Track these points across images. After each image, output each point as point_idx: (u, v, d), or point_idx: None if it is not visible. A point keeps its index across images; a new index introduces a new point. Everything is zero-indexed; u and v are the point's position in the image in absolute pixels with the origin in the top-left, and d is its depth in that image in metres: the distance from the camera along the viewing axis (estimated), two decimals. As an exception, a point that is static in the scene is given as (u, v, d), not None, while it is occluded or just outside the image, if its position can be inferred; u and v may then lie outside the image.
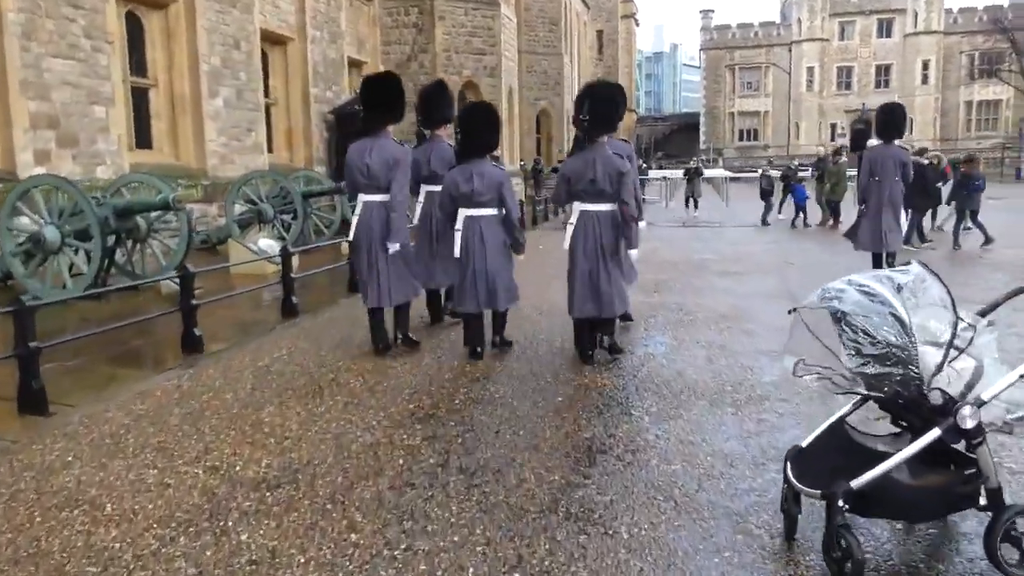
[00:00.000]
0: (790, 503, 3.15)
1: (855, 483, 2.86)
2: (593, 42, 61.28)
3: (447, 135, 7.12)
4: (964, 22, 64.82)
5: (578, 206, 5.88)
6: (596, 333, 6.06)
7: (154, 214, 9.17)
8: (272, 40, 18.27)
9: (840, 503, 2.82)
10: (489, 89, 22.60)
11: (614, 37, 61.90)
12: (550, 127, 34.09)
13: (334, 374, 5.76)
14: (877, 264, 9.52)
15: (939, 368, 2.94)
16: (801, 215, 18.10)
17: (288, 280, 8.06)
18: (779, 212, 19.28)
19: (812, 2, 67.32)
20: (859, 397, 3.24)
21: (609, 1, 61.13)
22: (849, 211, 13.58)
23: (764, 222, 18.47)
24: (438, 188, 6.51)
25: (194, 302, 6.51)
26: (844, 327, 3.13)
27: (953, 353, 2.96)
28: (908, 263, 3.28)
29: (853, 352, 3.10)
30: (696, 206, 22.14)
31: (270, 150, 17.85)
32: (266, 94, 17.94)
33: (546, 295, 8.39)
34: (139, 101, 14.06)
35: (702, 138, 72.84)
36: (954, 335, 2.95)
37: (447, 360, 6.13)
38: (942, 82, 64.94)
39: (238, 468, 4.00)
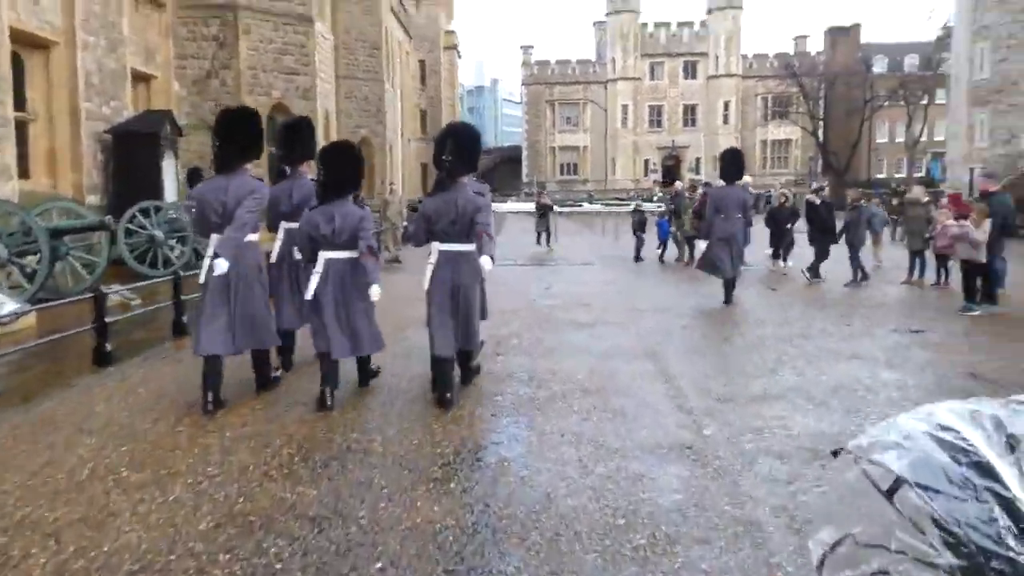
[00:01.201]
0: None
1: None
2: (416, 72, 60.18)
3: (310, 172, 6.67)
4: (758, 67, 70.46)
5: (437, 246, 5.82)
6: (465, 364, 6.21)
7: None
8: (30, 43, 15.06)
9: None
10: (303, 113, 20.35)
11: (437, 68, 61.18)
12: (372, 156, 32.08)
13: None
14: (728, 296, 10.55)
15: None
16: (662, 250, 17.60)
17: None
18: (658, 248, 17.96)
19: (624, 42, 70.46)
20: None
21: (431, 31, 60.45)
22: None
23: (637, 258, 17.38)
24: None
25: None
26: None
27: None
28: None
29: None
30: (548, 241, 21.55)
31: (24, 175, 14.54)
32: (21, 107, 14.70)
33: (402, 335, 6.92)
34: None
35: (524, 171, 73.67)
36: None
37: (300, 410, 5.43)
38: (741, 122, 70.03)
39: None
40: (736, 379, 6.49)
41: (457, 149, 5.85)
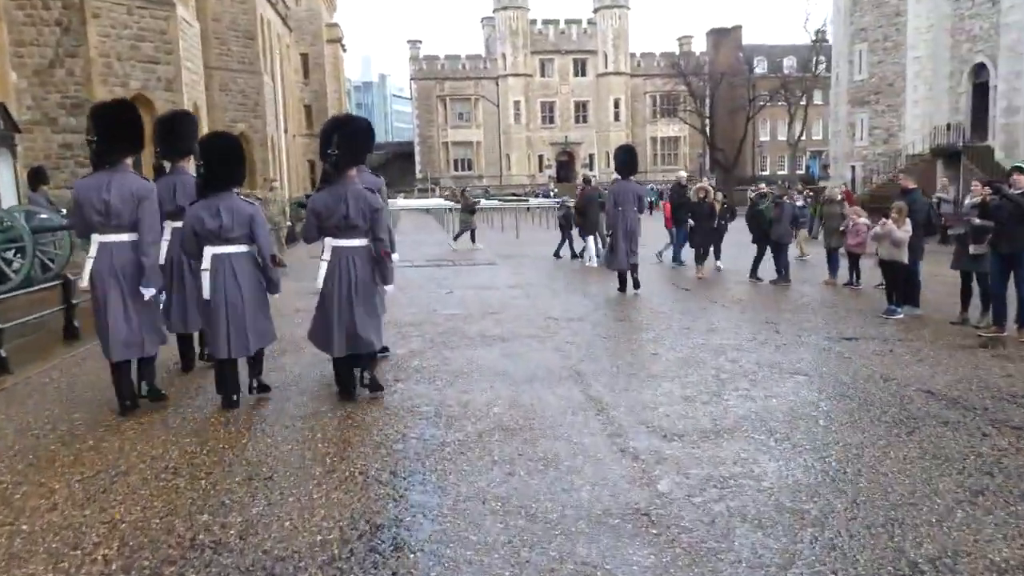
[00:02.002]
0: None
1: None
2: (299, 65, 57.41)
3: (191, 167, 6.32)
4: (646, 66, 71.59)
5: (330, 242, 5.66)
6: (357, 368, 5.89)
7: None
8: None
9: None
10: (167, 105, 18.14)
11: (320, 61, 58.56)
12: (251, 152, 29.83)
13: None
14: (623, 282, 11.38)
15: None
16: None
17: None
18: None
19: (514, 39, 69.94)
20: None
21: (312, 24, 57.78)
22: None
23: (557, 255, 17.04)
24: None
25: None
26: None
27: None
28: None
29: None
30: (473, 238, 20.53)
31: None
32: None
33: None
34: None
35: (418, 167, 72.03)
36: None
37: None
38: (632, 119, 70.94)
39: None
40: (678, 406, 5.56)
41: (344, 142, 5.67)
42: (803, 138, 60.92)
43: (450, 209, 30.20)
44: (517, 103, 71.04)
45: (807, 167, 65.02)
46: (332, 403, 5.73)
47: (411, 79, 74.27)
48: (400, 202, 42.13)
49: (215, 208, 5.42)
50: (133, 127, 5.63)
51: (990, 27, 30.25)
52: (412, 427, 5.18)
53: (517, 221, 25.76)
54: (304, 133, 55.13)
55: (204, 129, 21.21)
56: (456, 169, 72.84)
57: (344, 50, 65.86)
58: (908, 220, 9.30)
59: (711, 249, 13.85)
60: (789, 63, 66.22)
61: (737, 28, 70.81)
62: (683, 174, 17.45)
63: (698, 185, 14.70)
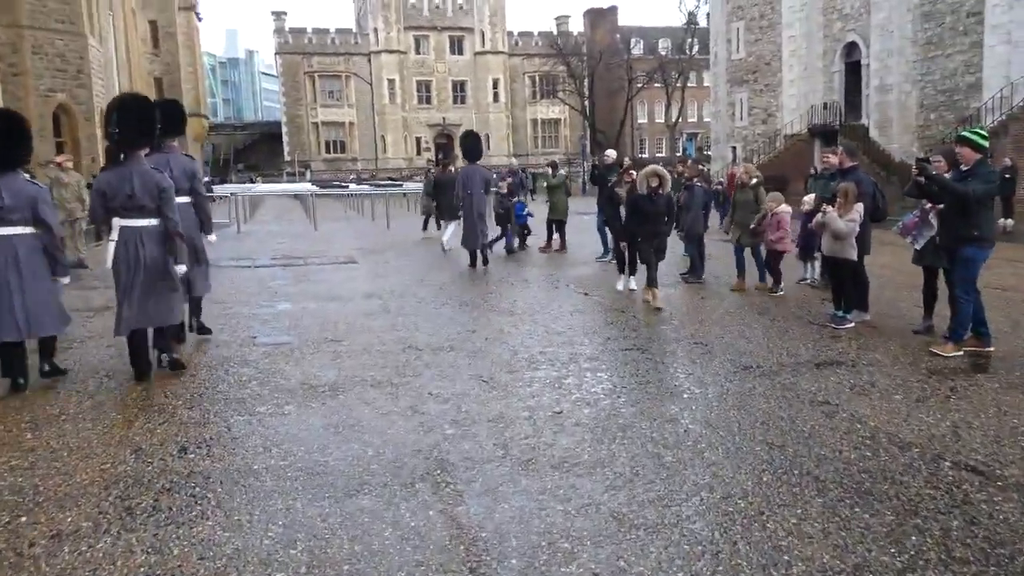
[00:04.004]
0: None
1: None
2: (147, 34, 51.73)
3: None
4: (524, 45, 69.74)
5: (118, 222, 5.62)
6: (157, 350, 5.96)
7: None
8: None
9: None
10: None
11: (171, 30, 52.95)
12: (75, 129, 25.52)
13: None
14: (473, 261, 12.35)
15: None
16: (516, 240, 14.60)
17: None
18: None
19: (386, 13, 66.35)
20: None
21: (161, -13, 52.13)
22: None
23: (509, 250, 14.25)
24: None
25: None
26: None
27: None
28: None
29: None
30: (432, 226, 18.11)
31: None
32: None
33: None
34: None
35: (286, 149, 67.33)
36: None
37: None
38: (511, 100, 68.96)
39: None
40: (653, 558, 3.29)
41: (125, 122, 5.64)
42: (680, 120, 60.89)
43: (313, 196, 27.07)
44: (392, 81, 67.57)
45: (684, 149, 65.37)
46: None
47: (276, 53, 69.16)
48: (260, 187, 38.33)
49: None
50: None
51: (860, 5, 30.04)
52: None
53: (388, 209, 22.96)
54: (154, 111, 49.59)
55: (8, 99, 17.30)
56: (328, 151, 68.65)
57: (199, 19, 60.24)
58: (858, 206, 7.47)
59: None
60: (665, 44, 66.15)
61: (613, 8, 70.16)
62: (611, 152, 14.15)
63: (648, 169, 9.03)
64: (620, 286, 9.82)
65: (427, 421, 4.84)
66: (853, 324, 7.43)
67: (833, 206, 7.59)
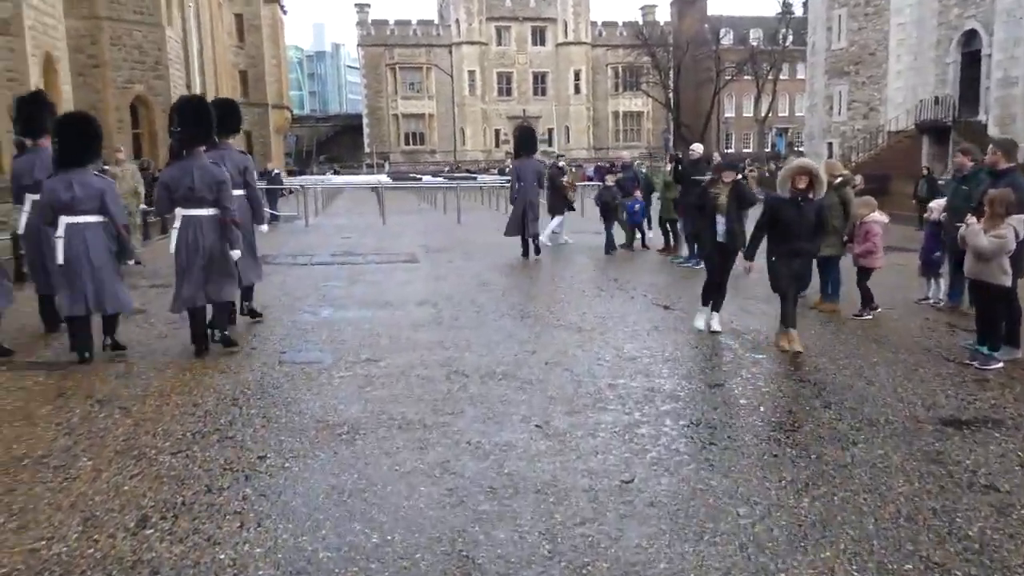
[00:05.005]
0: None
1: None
2: (232, 27, 52.56)
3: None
4: (608, 35, 67.97)
5: (180, 211, 6.21)
6: (211, 328, 6.39)
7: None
8: None
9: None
10: (4, 54, 14.24)
11: (256, 23, 53.66)
12: (152, 120, 25.63)
13: None
14: (525, 249, 12.55)
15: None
16: (639, 236, 13.69)
17: None
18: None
19: (469, 4, 65.76)
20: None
21: (248, -19, 52.87)
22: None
23: (612, 248, 13.16)
24: None
25: None
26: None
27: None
28: None
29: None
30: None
31: None
32: None
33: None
34: None
35: (366, 141, 67.67)
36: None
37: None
38: (593, 92, 67.35)
39: None
40: None
41: (183, 122, 6.25)
42: (770, 114, 58.10)
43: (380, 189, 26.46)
44: (472, 73, 67.00)
45: (772, 144, 62.41)
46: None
47: (358, 45, 69.58)
48: (332, 179, 38.18)
49: (68, 182, 5.99)
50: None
51: (983, -10, 27.33)
52: None
53: (459, 202, 22.07)
54: (240, 101, 50.33)
55: (64, 85, 17.19)
56: (407, 143, 68.72)
57: (284, 12, 60.90)
58: (1014, 220, 6.00)
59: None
60: (756, 35, 63.19)
61: (702, -3, 67.55)
62: (698, 146, 12.75)
63: (796, 165, 7.01)
64: (699, 324, 7.28)
65: (458, 487, 3.78)
66: (1003, 364, 5.98)
67: (979, 218, 6.16)
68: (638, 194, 13.37)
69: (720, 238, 6.98)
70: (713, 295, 7.24)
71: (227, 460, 4.12)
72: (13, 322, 6.94)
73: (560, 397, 5.26)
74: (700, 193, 7.44)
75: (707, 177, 8.27)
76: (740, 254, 7.03)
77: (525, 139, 13.46)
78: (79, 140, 6.14)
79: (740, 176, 7.45)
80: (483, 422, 4.75)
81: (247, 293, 7.60)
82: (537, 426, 4.68)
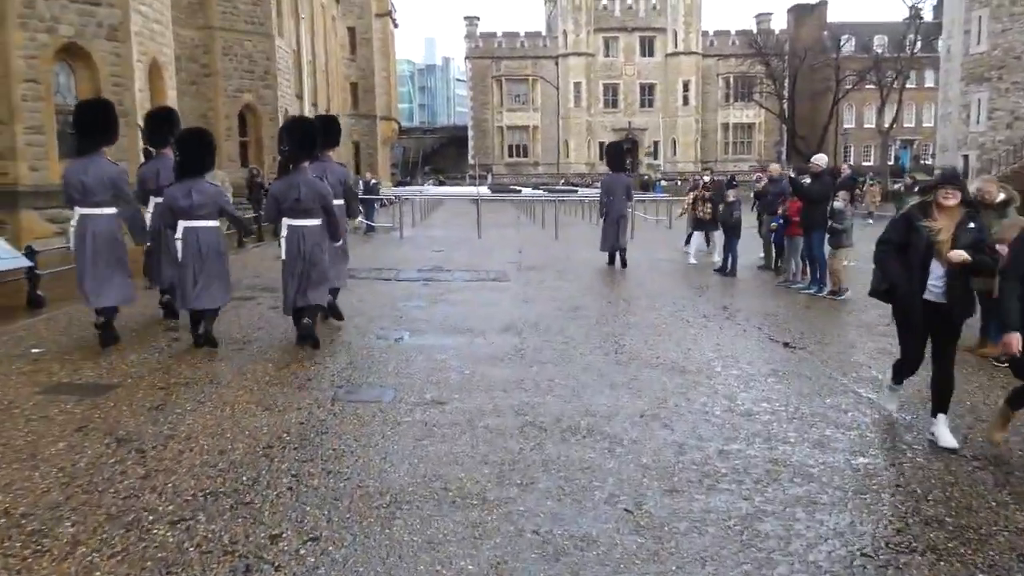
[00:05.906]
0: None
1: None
2: (345, 40, 53.73)
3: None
4: (719, 45, 65.59)
5: (286, 221, 6.88)
6: (302, 319, 6.88)
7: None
8: None
9: None
10: (110, 59, 14.42)
11: (368, 36, 54.67)
12: (259, 128, 26.02)
13: None
14: (612, 260, 13.26)
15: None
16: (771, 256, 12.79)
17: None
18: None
19: (576, 15, 64.95)
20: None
21: (361, -6, 53.91)
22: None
23: (726, 270, 12.25)
24: None
25: None
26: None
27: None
28: None
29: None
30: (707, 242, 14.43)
31: None
32: None
33: None
34: None
35: (471, 152, 67.84)
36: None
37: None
38: (702, 104, 65.09)
39: None
40: None
41: (291, 141, 7.00)
42: (894, 125, 54.26)
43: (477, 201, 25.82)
44: (577, 85, 66.07)
45: (896, 158, 58.30)
46: None
47: (466, 58, 70.06)
48: (430, 189, 38.11)
49: (187, 190, 6.72)
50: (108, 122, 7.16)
51: None
52: None
53: (557, 216, 21.13)
54: (349, 112, 51.38)
55: (170, 92, 17.39)
56: (511, 155, 68.48)
57: (395, 25, 61.96)
58: None
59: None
60: (880, 41, 59.27)
61: (822, 3, 64.18)
62: (821, 157, 11.16)
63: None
64: (891, 405, 5.22)
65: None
66: None
67: None
68: (781, 210, 11.89)
69: (936, 296, 4.62)
70: (908, 374, 5.04)
71: (232, 539, 3.30)
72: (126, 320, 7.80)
73: (657, 467, 4.20)
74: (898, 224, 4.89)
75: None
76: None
77: (614, 155, 14.42)
78: (197, 152, 6.90)
79: (967, 202, 4.70)
80: (558, 499, 3.76)
81: (333, 293, 7.99)
82: (627, 510, 3.64)
